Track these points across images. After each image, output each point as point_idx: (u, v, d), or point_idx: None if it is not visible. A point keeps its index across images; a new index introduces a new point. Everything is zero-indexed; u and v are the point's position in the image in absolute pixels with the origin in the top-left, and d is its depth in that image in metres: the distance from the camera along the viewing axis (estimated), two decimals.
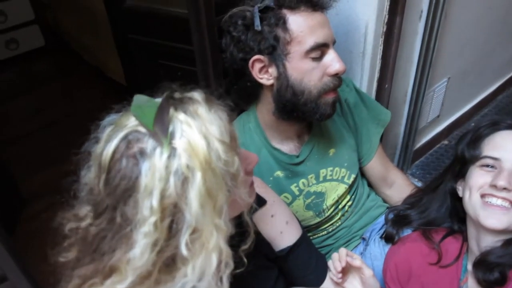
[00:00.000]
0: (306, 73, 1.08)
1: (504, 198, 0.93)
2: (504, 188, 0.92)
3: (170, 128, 0.63)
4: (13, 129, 2.70)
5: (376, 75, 1.46)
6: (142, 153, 0.63)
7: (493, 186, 0.94)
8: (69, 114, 2.70)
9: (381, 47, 1.39)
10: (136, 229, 0.64)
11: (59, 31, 3.45)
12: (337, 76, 1.11)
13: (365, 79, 1.46)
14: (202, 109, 0.66)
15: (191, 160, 0.63)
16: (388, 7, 1.30)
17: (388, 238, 1.20)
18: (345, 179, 1.33)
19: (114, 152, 0.65)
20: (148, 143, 0.63)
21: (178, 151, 0.62)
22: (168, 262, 0.69)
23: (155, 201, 0.62)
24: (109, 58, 2.54)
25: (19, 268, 1.20)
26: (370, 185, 1.47)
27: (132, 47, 1.84)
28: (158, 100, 0.66)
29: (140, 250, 0.64)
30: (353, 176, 1.34)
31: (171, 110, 0.64)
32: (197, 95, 0.69)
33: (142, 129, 0.64)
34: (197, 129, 0.64)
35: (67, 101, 2.94)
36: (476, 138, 1.03)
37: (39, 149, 2.37)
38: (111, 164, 0.65)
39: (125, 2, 1.77)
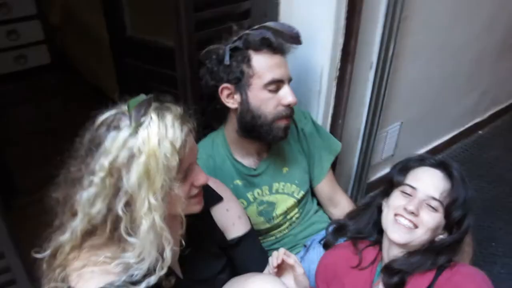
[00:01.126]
0: (263, 102, 1.32)
1: (410, 220, 1.10)
2: (412, 213, 1.09)
3: (142, 119, 0.86)
4: (16, 133, 2.92)
5: (331, 111, 1.69)
6: (116, 126, 0.87)
7: (405, 209, 1.10)
8: (67, 124, 2.90)
9: (335, 88, 1.63)
10: (88, 176, 0.86)
11: (64, 51, 3.70)
12: (289, 106, 1.35)
13: (321, 113, 1.68)
14: (170, 117, 0.87)
15: (143, 145, 0.84)
16: (340, 56, 1.55)
17: (326, 245, 1.36)
18: (295, 194, 1.53)
19: (104, 120, 0.89)
20: (124, 123, 0.87)
21: (138, 135, 0.85)
22: (116, 225, 0.89)
23: (106, 161, 0.85)
24: (108, 78, 2.80)
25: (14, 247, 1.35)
26: (318, 203, 1.66)
27: (128, 70, 2.10)
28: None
29: (88, 194, 0.86)
30: (302, 192, 1.54)
31: (151, 109, 0.88)
32: (175, 108, 0.90)
33: (127, 113, 0.88)
34: (158, 127, 0.85)
35: (66, 113, 3.16)
36: (405, 168, 1.21)
37: (36, 152, 2.57)
38: (98, 126, 0.89)
39: (125, 33, 2.05)
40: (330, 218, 1.66)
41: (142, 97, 0.88)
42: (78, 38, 3.38)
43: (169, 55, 1.46)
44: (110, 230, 0.89)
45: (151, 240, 0.87)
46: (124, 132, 0.85)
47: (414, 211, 1.09)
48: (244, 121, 1.36)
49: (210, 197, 1.15)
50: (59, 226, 0.93)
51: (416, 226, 1.10)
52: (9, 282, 1.42)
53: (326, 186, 1.62)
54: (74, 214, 0.89)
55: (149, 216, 0.85)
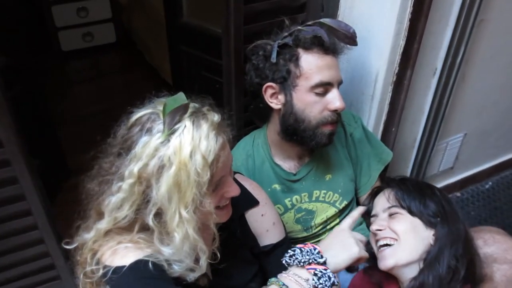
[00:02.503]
0: (308, 105, 1.24)
1: (385, 237, 1.07)
2: (379, 230, 1.09)
3: (176, 126, 0.83)
4: (73, 111, 3.03)
5: (384, 117, 1.59)
6: (149, 130, 0.84)
7: (373, 233, 1.12)
8: (123, 104, 2.98)
9: (390, 94, 1.52)
10: (117, 182, 0.85)
11: (129, 31, 3.79)
12: (336, 112, 1.26)
13: (373, 119, 1.58)
14: (205, 127, 0.83)
15: (174, 155, 0.81)
16: (399, 60, 1.44)
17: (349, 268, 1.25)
18: (337, 204, 1.45)
19: (137, 119, 0.86)
20: (158, 126, 0.84)
21: (170, 144, 0.82)
22: (144, 228, 0.89)
23: (136, 168, 0.82)
24: (163, 61, 2.82)
25: (53, 234, 1.38)
26: (363, 214, 1.57)
27: (181, 56, 2.09)
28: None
29: (116, 199, 0.84)
30: (345, 202, 1.46)
31: (187, 115, 0.84)
32: (212, 115, 0.86)
33: (161, 116, 0.84)
34: (192, 137, 0.81)
35: (124, 93, 3.24)
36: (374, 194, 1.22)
37: (92, 131, 2.65)
38: (132, 125, 0.86)
39: (181, 19, 2.03)
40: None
41: (181, 97, 0.84)
42: (142, 19, 3.43)
43: (218, 44, 1.41)
44: (137, 232, 0.89)
45: (186, 250, 0.86)
46: (156, 139, 0.82)
47: (379, 227, 1.10)
48: (286, 123, 1.29)
49: (246, 200, 1.12)
50: (86, 221, 0.93)
51: (396, 239, 1.07)
52: (49, 266, 1.46)
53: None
54: (100, 215, 0.89)
55: (181, 228, 0.84)
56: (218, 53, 1.47)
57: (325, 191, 1.44)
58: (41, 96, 2.14)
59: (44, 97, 2.21)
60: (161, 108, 0.85)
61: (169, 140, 0.81)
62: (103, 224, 0.88)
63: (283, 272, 0.92)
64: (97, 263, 0.90)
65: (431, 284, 1.01)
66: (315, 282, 0.87)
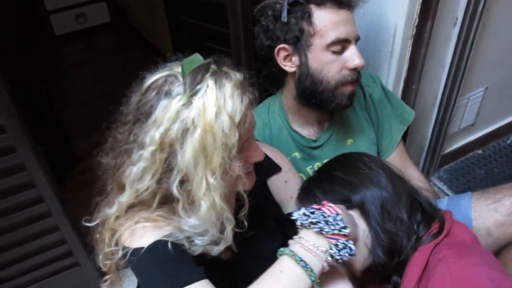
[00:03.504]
0: (326, 65, 1.18)
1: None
2: None
3: (197, 87, 0.78)
4: (72, 95, 2.97)
5: (403, 75, 1.53)
6: (168, 93, 0.79)
7: None
8: (124, 86, 2.92)
9: (410, 49, 1.46)
10: (137, 150, 0.81)
11: (123, 9, 3.68)
12: (355, 70, 1.20)
13: (392, 77, 1.52)
14: (229, 86, 0.79)
15: (198, 117, 0.76)
16: (418, 11, 1.36)
17: None
18: None
19: (153, 82, 0.82)
20: (176, 89, 0.79)
21: (192, 106, 0.77)
22: (165, 199, 0.86)
23: (157, 134, 0.77)
24: (163, 36, 2.74)
25: (68, 219, 1.36)
26: None
27: (182, 28, 2.01)
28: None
29: (137, 169, 0.81)
30: None
31: (208, 75, 0.79)
32: (234, 74, 0.82)
33: (180, 77, 0.80)
34: (216, 97, 0.77)
35: (124, 74, 3.17)
36: None
37: (94, 115, 2.60)
38: (146, 89, 0.82)
39: None
40: None
41: (198, 58, 0.80)
42: None
43: (223, 11, 1.35)
44: (157, 205, 0.86)
45: (212, 220, 0.83)
46: (177, 101, 0.77)
47: None
48: (303, 87, 1.23)
49: (268, 166, 1.09)
50: (106, 197, 0.91)
51: None
52: (67, 253, 1.45)
53: (395, 160, 1.47)
54: (121, 188, 0.86)
55: (208, 197, 0.80)
56: (222, 20, 1.40)
57: None
58: (37, 82, 2.08)
59: (41, 83, 2.15)
60: (178, 70, 0.81)
61: (191, 102, 0.77)
62: (125, 197, 0.85)
63: (296, 238, 0.86)
64: (116, 244, 0.88)
65: (386, 257, 0.96)
66: (335, 253, 0.84)
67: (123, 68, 3.30)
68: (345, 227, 0.84)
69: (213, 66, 0.81)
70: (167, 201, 0.87)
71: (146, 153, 0.79)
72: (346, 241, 0.85)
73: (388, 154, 1.47)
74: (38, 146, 1.24)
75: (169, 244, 0.82)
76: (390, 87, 1.56)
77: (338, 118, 1.38)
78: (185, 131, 0.77)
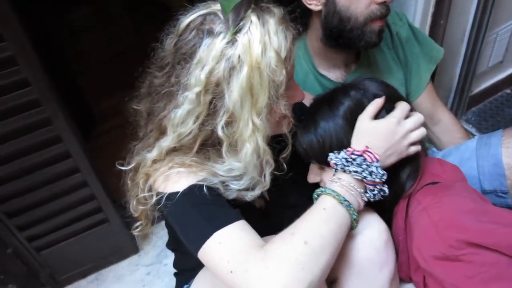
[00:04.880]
0: (354, 0, 1.14)
1: None
2: None
3: (241, 23, 0.76)
4: (86, 61, 2.94)
5: (431, 9, 1.48)
6: (210, 31, 0.78)
7: None
8: (136, 46, 2.88)
9: None
10: (182, 92, 0.80)
11: None
12: (384, 4, 1.15)
13: (419, 13, 1.48)
14: (273, 21, 0.78)
15: (244, 54, 0.75)
16: None
17: None
18: None
19: (190, 22, 0.81)
20: (218, 26, 0.78)
21: (237, 43, 0.76)
22: (206, 141, 0.86)
23: (203, 74, 0.76)
24: None
25: (96, 175, 1.37)
26: None
27: None
28: None
29: (182, 112, 0.80)
30: None
31: (249, 11, 0.77)
32: (277, 10, 0.81)
33: (220, 15, 0.78)
34: (260, 34, 0.76)
35: (135, 33, 3.13)
36: None
37: (108, 77, 2.58)
38: (184, 30, 0.81)
39: None
40: (429, 139, 1.52)
41: None
42: None
43: None
44: (197, 150, 0.87)
45: (254, 163, 0.84)
46: (220, 39, 0.77)
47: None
48: (329, 26, 1.19)
49: (301, 111, 1.06)
50: (143, 141, 0.92)
51: None
52: (96, 209, 1.46)
53: (425, 101, 1.47)
54: (162, 132, 0.86)
55: (253, 138, 0.81)
56: None
57: None
58: (52, 43, 2.05)
59: (54, 45, 2.13)
60: (216, 7, 0.80)
61: (236, 39, 0.76)
62: (167, 142, 0.85)
63: (335, 179, 0.88)
64: (150, 189, 0.89)
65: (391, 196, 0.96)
66: (369, 196, 0.89)
67: (133, 28, 3.26)
68: (384, 174, 0.88)
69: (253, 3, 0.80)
70: (204, 146, 0.87)
71: (191, 94, 0.78)
72: (382, 185, 0.89)
73: (417, 95, 1.45)
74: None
75: (205, 188, 0.82)
76: (417, 24, 1.52)
77: (365, 59, 1.35)
78: (231, 69, 0.76)
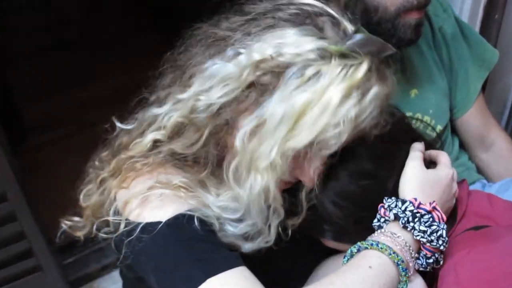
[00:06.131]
0: None
1: None
2: None
3: (355, 52, 0.83)
4: (19, 49, 2.94)
5: (483, 1, 1.52)
6: (319, 26, 0.85)
7: None
8: (84, 34, 2.88)
9: None
10: (236, 48, 0.85)
11: None
12: None
13: (468, 4, 1.54)
14: (378, 89, 0.86)
15: (325, 78, 0.80)
16: None
17: None
18: (428, 130, 1.38)
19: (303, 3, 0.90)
20: (330, 30, 0.85)
21: (337, 63, 0.81)
22: (207, 151, 0.91)
23: (272, 49, 0.82)
24: None
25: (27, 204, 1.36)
26: (462, 145, 1.55)
27: None
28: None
29: (220, 68, 0.84)
30: (439, 127, 1.41)
31: (368, 54, 0.85)
32: (390, 80, 0.91)
33: (343, 23, 0.89)
34: (361, 80, 0.82)
35: (86, 20, 3.13)
36: None
37: (47, 72, 2.56)
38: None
39: None
40: (478, 168, 1.54)
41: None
42: None
43: None
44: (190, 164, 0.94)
45: (260, 205, 0.89)
46: (327, 43, 0.83)
47: None
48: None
49: None
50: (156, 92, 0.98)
51: None
52: (25, 252, 1.46)
53: (475, 118, 1.51)
54: (187, 86, 0.89)
55: (266, 173, 0.85)
56: None
57: (411, 114, 1.38)
58: None
59: None
60: (339, 17, 0.89)
61: (339, 57, 0.82)
62: (186, 94, 0.88)
63: (386, 232, 0.92)
64: (116, 212, 0.91)
65: None
66: (422, 264, 0.94)
67: (85, 11, 3.25)
68: (447, 242, 0.91)
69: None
70: (197, 164, 0.93)
71: (245, 58, 0.82)
72: (440, 254, 0.93)
73: (465, 110, 1.48)
74: None
75: (196, 220, 0.84)
76: (464, 19, 1.57)
77: (397, 62, 1.33)
78: (301, 75, 0.81)
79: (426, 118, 1.39)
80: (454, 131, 1.53)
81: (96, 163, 1.01)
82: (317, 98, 0.80)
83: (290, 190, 0.97)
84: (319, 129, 0.81)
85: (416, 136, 1.09)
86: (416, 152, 1.02)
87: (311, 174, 0.91)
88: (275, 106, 0.81)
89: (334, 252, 1.13)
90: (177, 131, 0.91)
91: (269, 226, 0.93)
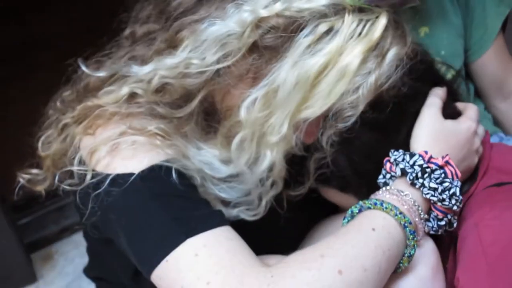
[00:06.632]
0: None
1: None
2: None
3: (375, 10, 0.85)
4: None
5: None
6: None
7: None
8: None
9: None
10: (236, 3, 0.83)
11: None
12: None
13: None
14: (398, 48, 0.89)
15: (342, 38, 0.81)
16: None
17: None
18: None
19: None
20: None
21: (354, 18, 0.83)
22: (211, 108, 0.92)
23: (282, 4, 0.81)
24: None
25: None
26: (477, 93, 1.55)
27: None
28: None
29: (220, 28, 0.82)
30: (452, 71, 1.36)
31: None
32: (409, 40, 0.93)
33: None
34: (377, 39, 0.85)
35: None
36: None
37: None
38: None
39: None
40: (495, 119, 1.55)
41: None
42: None
43: None
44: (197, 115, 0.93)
45: (263, 176, 0.90)
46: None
47: None
48: None
49: None
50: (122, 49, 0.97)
51: None
52: None
53: (492, 62, 1.50)
54: (172, 46, 0.88)
55: (276, 147, 0.87)
56: None
57: None
58: None
59: None
60: None
61: (354, 12, 0.84)
62: (173, 60, 0.86)
63: (393, 190, 0.91)
64: (81, 162, 0.90)
65: None
66: (433, 227, 0.94)
67: None
68: (461, 201, 0.91)
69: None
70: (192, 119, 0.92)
71: (248, 14, 0.81)
72: (453, 216, 0.93)
73: (482, 52, 1.47)
74: None
75: (174, 172, 0.83)
76: None
77: None
78: (314, 34, 0.81)
79: (438, 59, 1.34)
80: (469, 76, 1.53)
81: (58, 104, 0.99)
82: (333, 61, 0.81)
83: (295, 157, 0.96)
84: (336, 97, 0.83)
85: (438, 80, 1.08)
86: (434, 98, 1.01)
87: (324, 144, 0.91)
88: (288, 72, 0.81)
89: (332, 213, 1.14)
90: (162, 89, 0.90)
91: (261, 198, 0.94)
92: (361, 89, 0.84)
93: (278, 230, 1.07)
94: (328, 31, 0.81)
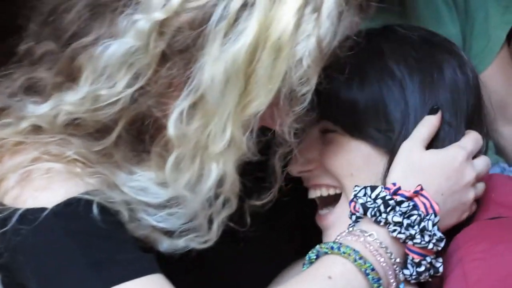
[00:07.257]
0: None
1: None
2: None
3: None
4: None
5: None
6: None
7: None
8: None
9: None
10: (131, 13, 0.75)
11: None
12: None
13: None
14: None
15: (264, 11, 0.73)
16: None
17: None
18: None
19: None
20: None
21: None
22: (139, 118, 0.83)
23: None
24: None
25: None
26: None
27: None
28: None
29: (118, 48, 0.75)
30: None
31: None
32: None
33: None
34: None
35: None
36: None
37: None
38: None
39: None
40: (497, 146, 1.48)
41: None
42: None
43: None
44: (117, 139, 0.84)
45: (207, 196, 0.83)
46: None
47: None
48: None
49: None
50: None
51: None
52: None
53: (495, 79, 1.44)
54: (71, 76, 0.81)
55: (223, 158, 0.80)
56: None
57: None
58: None
59: None
60: None
61: None
62: (74, 97, 0.79)
63: (356, 231, 0.85)
64: None
65: None
66: (411, 273, 0.86)
67: None
68: (442, 239, 0.85)
69: None
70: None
71: (145, 23, 0.74)
72: (435, 258, 0.85)
73: (483, 66, 1.42)
74: None
75: (95, 207, 0.76)
76: None
77: (397, 2, 1.35)
78: (231, 15, 0.73)
79: None
80: None
81: None
82: (262, 38, 0.74)
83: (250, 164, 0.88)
84: (279, 79, 0.75)
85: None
86: (421, 127, 0.93)
87: (286, 137, 0.84)
88: (211, 70, 0.74)
89: (298, 256, 1.04)
90: (72, 123, 0.83)
91: (211, 221, 0.87)
92: (305, 59, 0.75)
93: (231, 275, 1.03)
94: (243, 6, 0.73)
